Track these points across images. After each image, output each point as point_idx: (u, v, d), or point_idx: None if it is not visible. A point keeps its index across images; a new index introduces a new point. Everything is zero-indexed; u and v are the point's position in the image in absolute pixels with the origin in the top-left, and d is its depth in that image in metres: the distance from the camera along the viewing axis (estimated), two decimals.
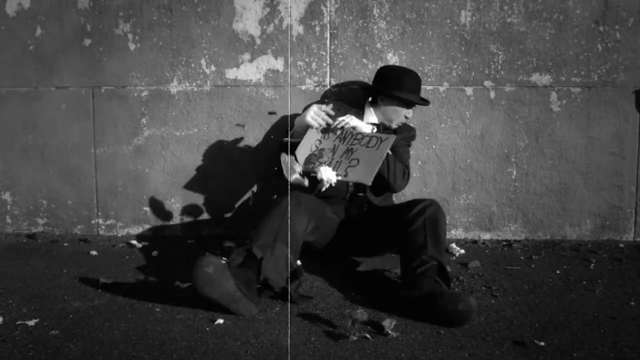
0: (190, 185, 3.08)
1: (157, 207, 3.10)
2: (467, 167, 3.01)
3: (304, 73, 2.99)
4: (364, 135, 2.44)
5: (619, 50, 2.92)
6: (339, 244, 2.56)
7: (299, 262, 2.33)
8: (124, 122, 3.07)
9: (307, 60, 2.98)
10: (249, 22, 2.98)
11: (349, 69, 2.97)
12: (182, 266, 2.61)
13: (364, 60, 2.97)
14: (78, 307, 2.14)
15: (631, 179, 3.00)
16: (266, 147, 3.03)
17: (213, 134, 3.05)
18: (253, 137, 3.03)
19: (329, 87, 2.98)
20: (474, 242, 3.01)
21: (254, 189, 3.06)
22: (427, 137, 2.99)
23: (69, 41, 3.03)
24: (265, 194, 3.04)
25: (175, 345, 1.83)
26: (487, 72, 2.96)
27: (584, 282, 2.42)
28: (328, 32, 2.97)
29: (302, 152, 2.48)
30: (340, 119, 2.48)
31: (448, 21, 2.94)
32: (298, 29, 2.97)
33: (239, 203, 3.07)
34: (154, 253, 2.81)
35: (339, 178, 2.35)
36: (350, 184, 2.57)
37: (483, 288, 2.36)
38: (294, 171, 2.39)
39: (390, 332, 1.90)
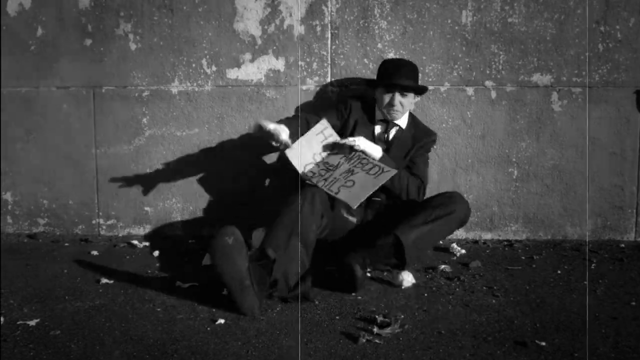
0: (191, 185, 3.08)
1: (158, 207, 3.10)
2: (468, 167, 3.01)
3: (305, 73, 2.99)
4: (369, 160, 2.48)
5: (620, 50, 2.92)
6: (347, 242, 2.57)
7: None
8: (125, 122, 3.07)
9: (308, 60, 2.98)
10: (250, 22, 2.98)
11: (350, 69, 2.97)
12: (183, 266, 2.62)
13: (365, 60, 2.97)
14: (79, 307, 2.14)
15: (632, 179, 3.00)
16: (267, 147, 3.03)
17: (214, 134, 3.05)
18: (254, 136, 3.03)
19: (335, 88, 2.98)
20: (475, 242, 3.01)
21: (256, 188, 3.06)
22: None
23: (70, 41, 3.03)
24: (268, 193, 3.04)
25: (176, 346, 1.83)
26: (488, 72, 2.96)
27: (585, 282, 2.42)
28: (329, 32, 2.97)
29: (302, 151, 2.49)
30: (351, 139, 2.51)
31: (449, 21, 2.94)
32: (299, 28, 2.97)
33: (240, 203, 3.07)
34: (155, 253, 2.81)
35: (330, 193, 2.39)
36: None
37: (484, 288, 2.36)
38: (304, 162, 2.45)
39: (380, 332, 1.92)
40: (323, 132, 2.59)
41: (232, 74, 3.01)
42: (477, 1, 2.92)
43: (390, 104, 2.61)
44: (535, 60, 2.94)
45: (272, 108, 3.01)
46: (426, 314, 2.09)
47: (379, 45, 2.96)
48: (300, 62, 2.99)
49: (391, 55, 2.95)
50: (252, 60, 3.00)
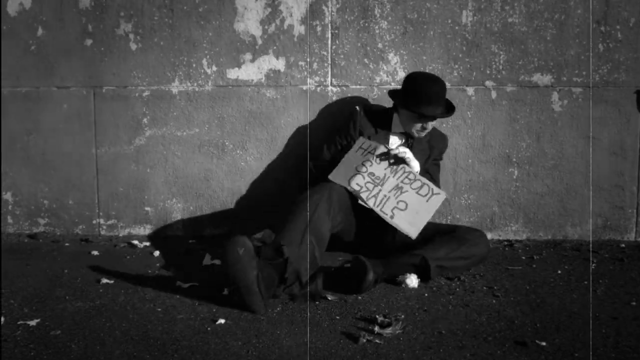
0: (191, 185, 3.08)
1: (159, 207, 3.10)
2: (468, 167, 3.01)
3: (305, 73, 2.99)
4: (416, 177, 2.43)
5: (620, 50, 2.92)
6: (358, 243, 2.58)
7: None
8: (125, 122, 3.07)
9: (308, 60, 2.98)
10: (250, 22, 2.98)
11: (350, 69, 2.97)
12: (184, 266, 2.62)
13: (365, 60, 2.97)
14: (79, 307, 2.15)
15: (632, 179, 3.00)
16: (267, 147, 3.03)
17: (214, 134, 3.05)
18: (254, 136, 3.04)
19: (336, 88, 2.98)
20: None
21: (259, 188, 3.06)
22: None
23: (71, 41, 3.03)
24: (267, 193, 3.04)
25: (176, 345, 1.83)
26: (488, 72, 2.96)
27: (586, 282, 2.42)
28: (329, 32, 2.97)
29: (344, 169, 2.46)
30: (402, 149, 2.48)
31: (449, 21, 2.94)
32: (299, 28, 2.97)
33: (240, 203, 3.07)
34: (156, 253, 2.81)
35: (384, 217, 2.35)
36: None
37: (484, 288, 2.36)
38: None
39: (380, 331, 1.92)
40: (362, 147, 2.54)
41: (233, 74, 3.01)
42: (478, 1, 2.92)
43: (422, 129, 2.60)
44: (535, 60, 2.95)
45: (272, 108, 3.02)
46: (426, 314, 2.09)
47: (379, 45, 2.96)
48: (300, 62, 2.99)
49: (391, 55, 2.95)
50: (252, 61, 3.00)
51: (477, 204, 3.02)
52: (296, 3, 2.95)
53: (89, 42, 3.03)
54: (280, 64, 3.00)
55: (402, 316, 2.04)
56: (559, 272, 2.56)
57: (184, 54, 3.01)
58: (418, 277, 2.36)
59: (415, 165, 2.51)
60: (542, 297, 2.26)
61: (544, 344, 1.85)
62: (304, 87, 3.00)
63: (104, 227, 3.14)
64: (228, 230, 3.07)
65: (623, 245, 2.95)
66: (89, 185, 3.11)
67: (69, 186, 3.12)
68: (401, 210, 2.36)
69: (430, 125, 2.61)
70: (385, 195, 2.38)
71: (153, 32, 3.01)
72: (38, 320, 2.02)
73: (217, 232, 3.08)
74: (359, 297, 2.24)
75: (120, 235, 3.13)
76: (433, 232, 2.49)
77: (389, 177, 2.42)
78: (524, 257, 2.77)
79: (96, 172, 3.10)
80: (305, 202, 2.27)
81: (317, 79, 2.99)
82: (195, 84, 3.03)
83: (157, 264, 2.66)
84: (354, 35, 2.96)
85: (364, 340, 1.86)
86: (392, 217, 2.35)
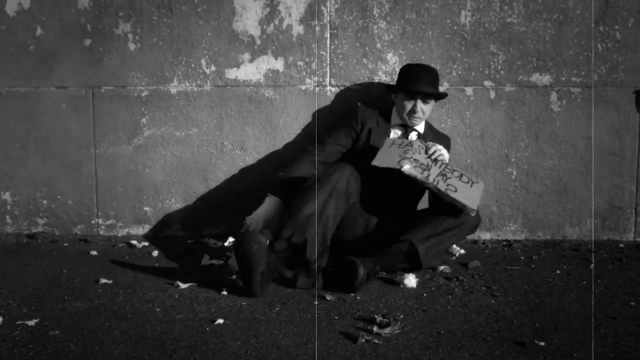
0: (190, 185, 3.08)
1: (157, 207, 3.10)
2: (467, 167, 3.01)
3: (304, 73, 2.99)
4: (453, 167, 2.47)
5: (619, 50, 2.92)
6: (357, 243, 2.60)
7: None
8: (124, 122, 3.07)
9: (307, 60, 2.98)
10: (249, 22, 2.98)
11: (349, 69, 2.97)
12: (182, 266, 2.62)
13: (364, 60, 2.97)
14: (78, 307, 2.14)
15: (631, 179, 3.00)
16: (267, 147, 3.03)
17: (213, 134, 3.05)
18: (253, 136, 3.04)
19: (335, 88, 2.98)
20: (474, 242, 3.01)
21: (257, 188, 3.06)
22: None
23: (69, 41, 3.03)
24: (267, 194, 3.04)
25: (175, 345, 1.83)
26: (487, 72, 2.96)
27: (584, 282, 2.43)
28: (328, 32, 2.97)
29: (387, 157, 2.45)
30: (439, 147, 2.49)
31: (448, 21, 2.94)
32: (298, 28, 2.97)
33: (239, 203, 3.07)
34: (154, 253, 2.81)
35: (444, 192, 2.37)
36: None
37: (483, 288, 2.36)
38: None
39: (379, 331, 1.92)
40: (395, 143, 2.53)
41: (231, 74, 3.01)
42: (476, 1, 2.92)
43: (413, 111, 2.63)
44: (534, 60, 2.95)
45: (271, 108, 3.01)
46: (425, 314, 2.09)
47: (378, 45, 2.96)
48: (299, 62, 2.99)
49: (390, 55, 2.95)
50: (251, 61, 3.00)
51: None
52: (295, 3, 2.96)
53: (87, 42, 3.03)
54: (279, 64, 3.00)
55: (401, 316, 2.04)
56: (558, 272, 2.56)
57: (183, 53, 3.01)
58: (412, 270, 2.42)
59: (447, 155, 2.54)
60: (541, 297, 2.26)
61: (542, 344, 1.85)
62: (303, 87, 3.00)
63: (103, 227, 3.14)
64: (227, 230, 3.07)
65: (622, 245, 2.96)
66: (87, 185, 3.11)
67: (68, 186, 3.12)
68: (453, 192, 2.38)
69: (421, 108, 2.63)
70: (434, 179, 2.40)
71: (152, 32, 3.01)
72: (37, 320, 2.02)
73: (216, 232, 3.08)
74: (358, 297, 2.24)
75: (119, 235, 3.13)
76: (419, 218, 2.54)
77: (431, 165, 2.45)
78: (522, 257, 2.77)
79: (95, 172, 3.10)
80: (313, 188, 2.35)
81: (315, 79, 2.99)
82: (194, 84, 3.02)
83: (156, 264, 2.66)
84: (353, 35, 2.96)
85: (363, 340, 1.86)
86: (455, 191, 2.38)
